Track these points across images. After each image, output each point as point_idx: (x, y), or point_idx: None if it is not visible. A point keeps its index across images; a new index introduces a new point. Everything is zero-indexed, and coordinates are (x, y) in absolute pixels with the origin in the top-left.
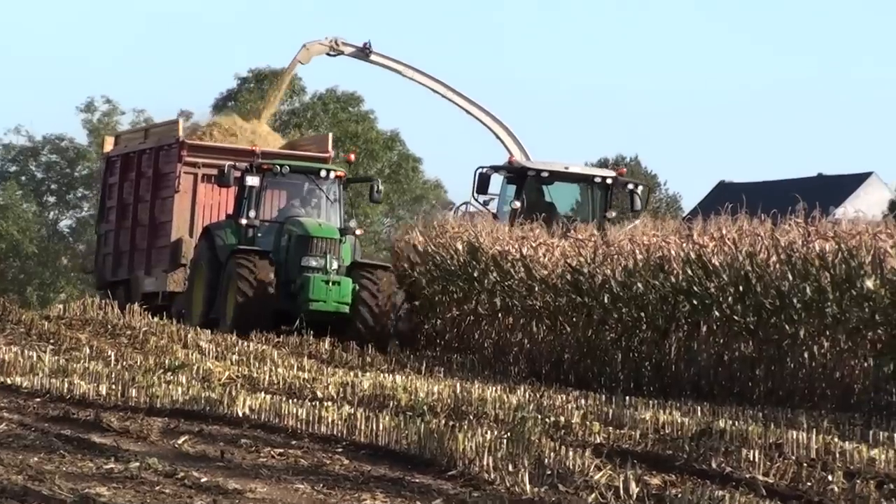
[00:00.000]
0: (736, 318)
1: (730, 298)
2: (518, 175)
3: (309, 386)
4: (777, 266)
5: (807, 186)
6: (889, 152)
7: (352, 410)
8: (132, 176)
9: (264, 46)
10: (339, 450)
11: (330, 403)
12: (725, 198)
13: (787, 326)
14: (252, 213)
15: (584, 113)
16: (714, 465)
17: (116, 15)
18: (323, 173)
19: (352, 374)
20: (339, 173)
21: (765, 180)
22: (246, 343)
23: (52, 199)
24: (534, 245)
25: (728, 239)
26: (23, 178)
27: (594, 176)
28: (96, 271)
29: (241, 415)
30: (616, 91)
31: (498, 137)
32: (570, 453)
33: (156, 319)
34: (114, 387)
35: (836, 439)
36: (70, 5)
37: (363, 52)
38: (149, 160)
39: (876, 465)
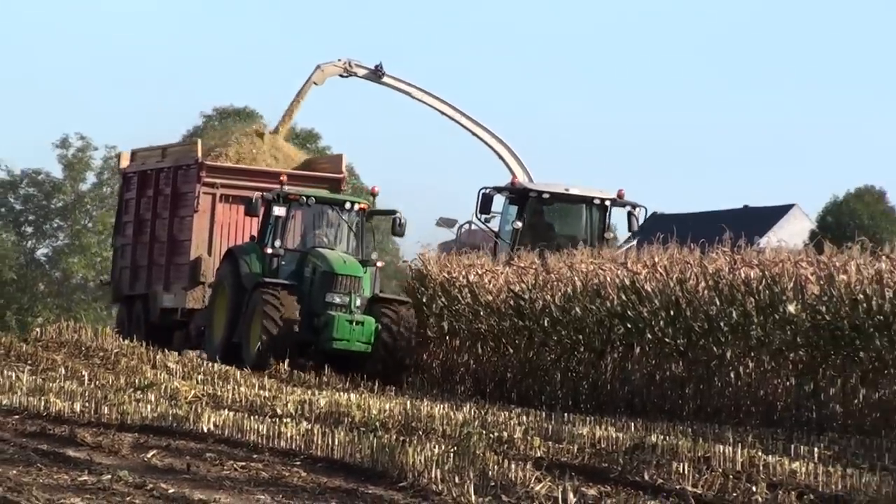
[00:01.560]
0: (667, 340)
1: (661, 322)
2: (520, 196)
3: (269, 403)
4: (705, 292)
5: (733, 217)
6: (809, 186)
7: (309, 426)
8: (149, 193)
9: (227, 86)
10: (298, 463)
11: (289, 420)
12: (657, 228)
13: (714, 348)
14: (277, 243)
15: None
16: (646, 477)
17: (89, 56)
18: (347, 205)
19: (309, 392)
20: (362, 206)
21: (694, 211)
22: (210, 364)
23: (29, 230)
24: (479, 272)
25: (660, 266)
26: (2, 209)
27: (594, 198)
28: (112, 284)
29: (205, 430)
30: (554, 123)
31: (501, 158)
32: (513, 466)
33: (126, 342)
34: (87, 404)
35: (760, 453)
36: (47, 46)
37: (375, 74)
38: (167, 178)
39: (797, 477)
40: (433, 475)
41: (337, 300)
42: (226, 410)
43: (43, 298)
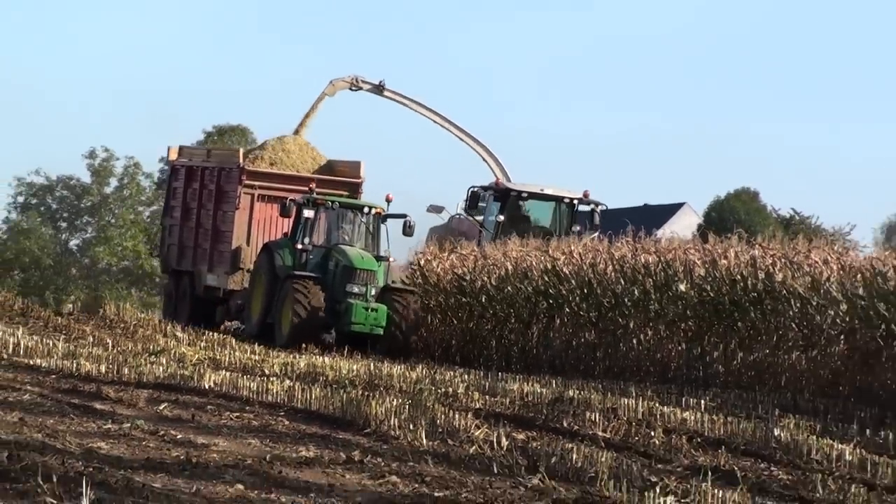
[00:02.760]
0: (581, 313)
1: (577, 298)
2: (502, 194)
3: (259, 365)
4: (612, 274)
5: (635, 213)
6: (698, 187)
7: (291, 384)
8: (195, 185)
9: (225, 105)
10: (282, 414)
11: (275, 378)
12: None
13: (620, 319)
14: (307, 240)
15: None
16: (565, 424)
17: (109, 78)
18: (366, 209)
19: (291, 356)
20: (377, 210)
21: (603, 209)
22: (211, 333)
23: (63, 224)
24: (429, 258)
25: (575, 253)
26: (42, 208)
27: (563, 197)
28: (161, 257)
29: (207, 387)
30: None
31: (484, 160)
32: (457, 416)
33: (142, 315)
34: (111, 366)
35: (657, 404)
36: (76, 73)
37: (378, 89)
38: (211, 176)
39: (687, 424)
40: (392, 423)
41: (355, 290)
42: (224, 371)
43: (75, 281)
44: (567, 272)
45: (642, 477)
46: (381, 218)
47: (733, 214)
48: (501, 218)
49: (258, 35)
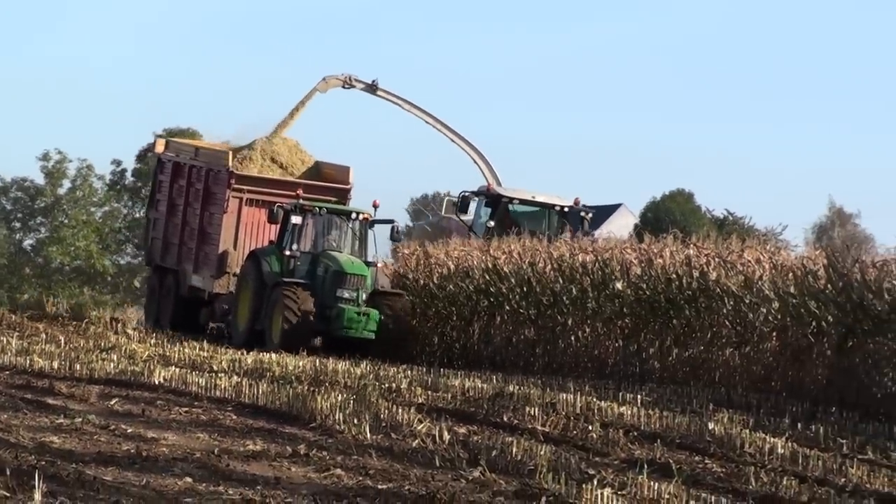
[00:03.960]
0: (521, 310)
1: (517, 296)
2: (494, 200)
3: (207, 362)
4: (551, 272)
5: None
6: (634, 188)
7: (239, 379)
8: (182, 182)
9: (176, 107)
10: (230, 409)
11: (223, 374)
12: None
13: (558, 317)
14: (294, 246)
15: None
16: (505, 419)
17: (62, 79)
18: (353, 215)
19: (239, 353)
20: (365, 216)
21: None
22: (161, 330)
23: (17, 225)
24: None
25: (515, 253)
26: None
27: (553, 204)
28: (145, 249)
29: (157, 383)
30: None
31: (476, 164)
32: (400, 410)
33: (94, 313)
34: (63, 363)
35: (595, 399)
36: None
37: (371, 88)
38: (198, 175)
39: (624, 418)
40: (337, 418)
41: (346, 295)
42: (173, 367)
43: (29, 279)
44: (507, 271)
45: (580, 470)
46: (369, 223)
47: (669, 215)
48: (492, 224)
49: (209, 38)
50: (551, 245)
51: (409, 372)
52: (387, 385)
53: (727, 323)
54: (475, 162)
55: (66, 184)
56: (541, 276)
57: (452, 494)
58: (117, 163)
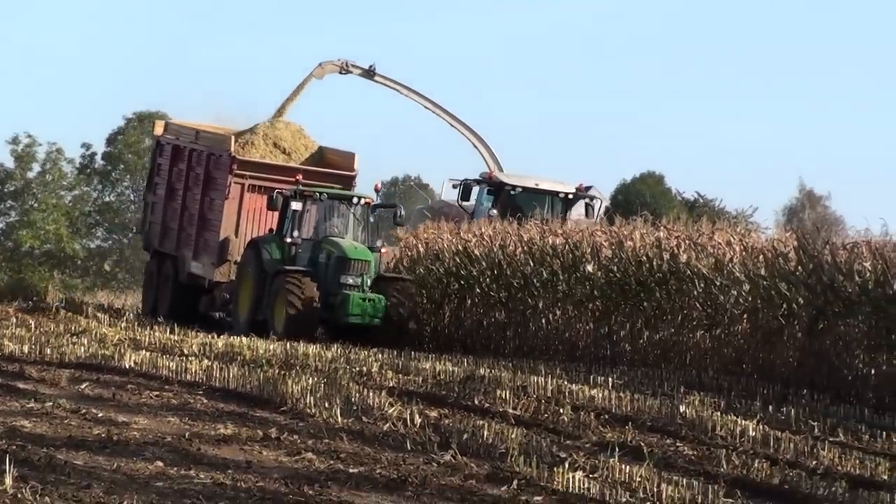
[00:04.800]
0: (492, 293)
1: (487, 279)
2: (496, 188)
3: (178, 345)
4: (522, 255)
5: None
6: (605, 170)
7: (210, 363)
8: (182, 166)
9: (146, 91)
10: (200, 392)
11: (193, 358)
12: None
13: (529, 300)
14: (296, 233)
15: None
16: (476, 402)
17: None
18: (355, 200)
19: (210, 336)
20: (367, 200)
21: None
22: (130, 313)
23: None
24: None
25: (486, 235)
26: None
27: (558, 192)
28: (143, 234)
29: (127, 367)
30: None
31: (477, 149)
32: (371, 394)
33: (62, 296)
34: (34, 347)
35: (566, 382)
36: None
37: (368, 73)
38: (199, 159)
39: (595, 401)
40: (308, 401)
41: (350, 281)
42: (143, 351)
43: None
44: (478, 254)
45: (551, 453)
46: (371, 208)
47: (639, 197)
48: (495, 212)
49: (185, 19)
50: (522, 228)
51: (379, 355)
52: (358, 369)
53: (698, 305)
54: (476, 147)
55: (36, 167)
56: (511, 259)
57: (424, 478)
58: (87, 146)
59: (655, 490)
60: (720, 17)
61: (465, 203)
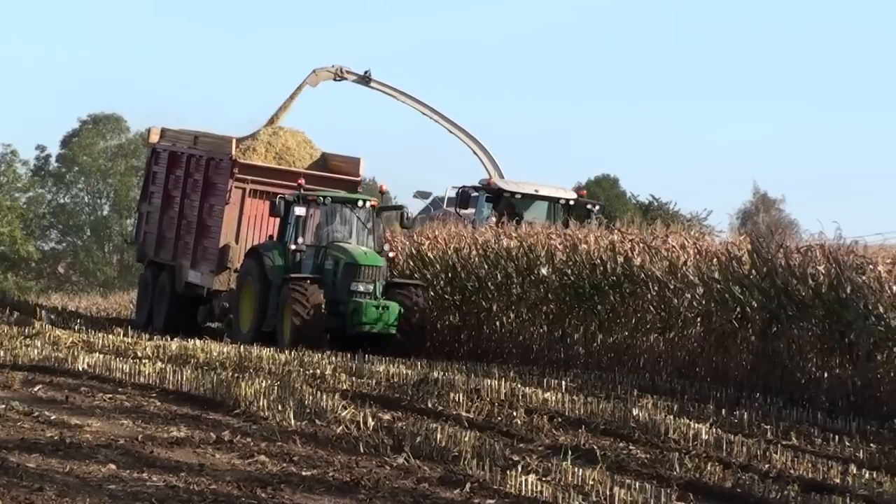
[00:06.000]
0: (446, 296)
1: (441, 282)
2: (496, 195)
3: (131, 348)
4: (476, 258)
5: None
6: (560, 174)
7: (163, 366)
8: (179, 173)
9: (101, 93)
10: (154, 395)
11: (147, 360)
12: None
13: (483, 302)
14: (300, 240)
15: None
16: (430, 405)
17: None
18: (360, 203)
19: (163, 339)
20: (372, 203)
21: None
22: (83, 317)
23: None
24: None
25: (440, 238)
26: None
27: (558, 198)
28: (136, 245)
29: (81, 369)
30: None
31: (476, 156)
32: (324, 397)
33: (15, 298)
34: None
35: (519, 385)
36: None
37: (364, 80)
38: (197, 165)
39: (549, 404)
40: (261, 404)
41: (361, 288)
42: (97, 353)
43: None
44: (431, 256)
45: (504, 456)
46: (377, 211)
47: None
48: (494, 221)
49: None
50: (476, 230)
51: (333, 358)
52: (311, 371)
53: (651, 308)
54: (475, 153)
55: None
56: (465, 262)
57: (377, 481)
58: (42, 148)
59: (608, 493)
60: (674, 21)
61: (463, 211)
